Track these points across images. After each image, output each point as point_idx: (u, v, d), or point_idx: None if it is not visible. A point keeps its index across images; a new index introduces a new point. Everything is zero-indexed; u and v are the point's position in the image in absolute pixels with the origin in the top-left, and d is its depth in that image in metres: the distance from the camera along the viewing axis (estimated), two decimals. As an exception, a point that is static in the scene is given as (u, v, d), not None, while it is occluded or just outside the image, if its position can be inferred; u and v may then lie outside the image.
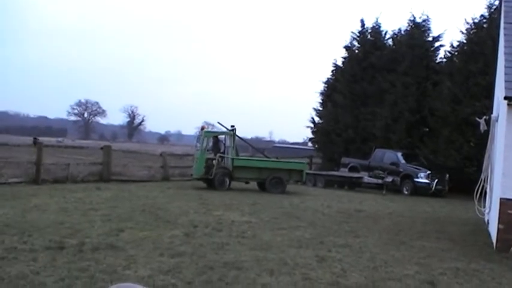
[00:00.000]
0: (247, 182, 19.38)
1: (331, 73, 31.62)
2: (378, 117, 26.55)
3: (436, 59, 27.40)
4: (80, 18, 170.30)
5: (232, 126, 19.09)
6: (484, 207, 12.14)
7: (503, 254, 8.82)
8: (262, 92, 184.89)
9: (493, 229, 10.22)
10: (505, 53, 9.82)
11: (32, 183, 16.31)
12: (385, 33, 29.69)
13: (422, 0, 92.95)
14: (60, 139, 63.66)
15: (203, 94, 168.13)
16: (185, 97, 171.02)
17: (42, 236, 8.16)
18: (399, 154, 23.62)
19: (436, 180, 21.78)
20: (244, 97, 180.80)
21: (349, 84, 28.66)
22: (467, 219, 14.04)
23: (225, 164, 18.67)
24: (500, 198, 9.21)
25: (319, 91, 31.95)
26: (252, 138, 74.03)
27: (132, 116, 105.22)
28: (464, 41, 25.10)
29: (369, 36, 29.77)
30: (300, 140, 58.25)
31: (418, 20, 27.61)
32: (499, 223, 9.21)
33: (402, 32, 28.29)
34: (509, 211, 9.02)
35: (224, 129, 19.45)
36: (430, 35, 27.51)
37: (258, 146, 33.46)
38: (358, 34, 30.02)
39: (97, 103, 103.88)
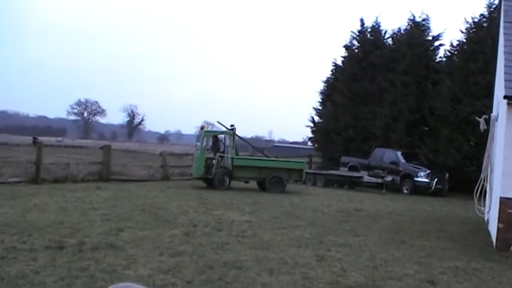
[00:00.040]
0: (246, 182, 19.38)
1: (330, 72, 31.64)
2: (378, 116, 26.56)
3: (435, 58, 27.41)
4: (80, 18, 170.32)
5: (232, 125, 19.10)
6: (484, 206, 12.14)
7: (503, 253, 8.83)
8: (261, 92, 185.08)
9: (492, 228, 10.22)
10: (505, 52, 9.82)
11: (32, 183, 16.31)
12: (385, 33, 29.71)
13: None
14: (59, 139, 63.61)
15: (203, 94, 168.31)
16: (185, 97, 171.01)
17: (42, 235, 8.16)
18: (399, 153, 23.62)
19: (436, 180, 21.79)
20: (244, 96, 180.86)
21: (348, 83, 28.66)
22: (467, 218, 14.05)
23: (224, 163, 18.67)
24: (500, 198, 9.21)
25: (319, 90, 31.99)
26: (251, 137, 74.07)
27: (132, 115, 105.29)
28: (464, 40, 25.11)
29: (368, 36, 29.76)
30: (300, 140, 58.32)
31: (418, 19, 27.62)
32: (498, 222, 9.22)
33: (402, 31, 28.28)
34: (509, 210, 9.02)
35: (224, 129, 19.45)
36: (430, 34, 27.54)
37: (258, 146, 33.44)
38: (357, 33, 30.02)
39: (97, 102, 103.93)
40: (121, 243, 7.93)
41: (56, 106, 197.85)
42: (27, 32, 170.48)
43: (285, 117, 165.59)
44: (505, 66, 9.48)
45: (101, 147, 20.36)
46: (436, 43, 27.37)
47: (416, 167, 22.52)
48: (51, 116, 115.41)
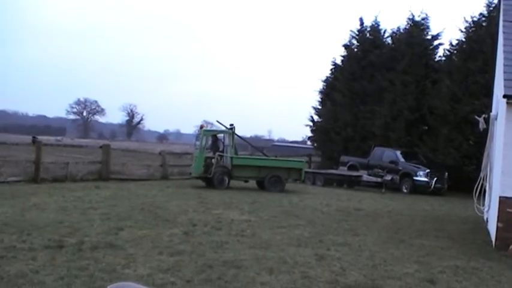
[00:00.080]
0: (246, 181, 19.38)
1: (330, 72, 31.62)
2: (377, 115, 26.57)
3: (435, 58, 27.40)
4: (80, 18, 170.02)
5: (231, 124, 19.08)
6: (483, 205, 12.15)
7: (502, 252, 8.83)
8: (261, 91, 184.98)
9: (492, 227, 10.23)
10: (504, 51, 9.83)
11: (31, 182, 16.30)
12: (384, 32, 29.71)
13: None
14: (59, 138, 63.60)
15: (202, 93, 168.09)
16: (184, 96, 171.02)
17: (42, 234, 8.15)
18: (398, 152, 23.63)
19: (435, 179, 21.81)
20: (243, 96, 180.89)
21: (348, 82, 28.66)
22: (467, 217, 14.06)
23: (224, 162, 18.67)
24: (500, 197, 9.21)
25: (318, 90, 31.99)
26: (251, 136, 74.09)
27: (131, 114, 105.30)
28: (464, 40, 25.13)
29: (368, 35, 29.76)
30: (299, 139, 58.37)
31: (417, 19, 27.63)
32: (498, 221, 9.22)
33: (401, 31, 28.28)
34: (509, 209, 9.02)
35: (223, 128, 19.44)
36: (429, 33, 27.53)
37: (257, 145, 33.45)
38: (357, 33, 30.01)
39: (96, 102, 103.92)
40: (120, 243, 7.93)
41: (55, 105, 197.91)
42: (26, 31, 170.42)
43: (284, 116, 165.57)
44: (504, 65, 9.48)
45: (100, 147, 20.35)
46: (436, 42, 27.40)
47: (415, 166, 22.54)
48: (50, 115, 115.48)
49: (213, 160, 18.50)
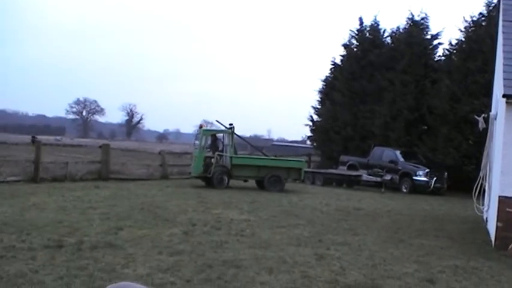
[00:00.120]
0: (245, 180, 19.38)
1: (329, 71, 31.62)
2: (377, 115, 26.57)
3: (434, 57, 27.40)
4: (80, 18, 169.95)
5: (231, 124, 19.08)
6: (483, 205, 12.15)
7: (501, 251, 8.83)
8: (260, 90, 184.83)
9: (491, 227, 10.23)
10: (504, 51, 9.83)
11: (31, 182, 16.29)
12: (384, 31, 29.69)
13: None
14: (58, 137, 63.50)
15: (202, 92, 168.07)
16: (184, 96, 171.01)
17: (41, 234, 8.15)
18: (398, 152, 23.63)
19: (435, 178, 21.80)
20: (243, 95, 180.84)
21: (347, 82, 28.66)
22: (466, 217, 14.06)
23: (223, 162, 18.66)
24: (499, 196, 9.21)
25: (318, 89, 32.00)
26: (250, 136, 74.03)
27: (131, 114, 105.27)
28: (463, 39, 25.12)
29: (367, 35, 29.74)
30: (299, 138, 58.30)
31: (417, 18, 27.62)
32: (497, 221, 9.22)
33: (401, 30, 28.27)
34: (508, 209, 9.02)
35: (222, 128, 19.44)
36: (429, 33, 27.52)
37: (257, 144, 33.43)
38: (356, 32, 30.00)
39: (95, 101, 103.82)
40: (120, 242, 7.93)
41: (54, 105, 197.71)
42: (26, 31, 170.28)
43: (284, 116, 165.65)
44: (504, 65, 9.48)
45: (100, 146, 20.35)
46: (435, 42, 27.39)
47: (415, 166, 22.53)
48: (50, 114, 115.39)
49: (212, 160, 18.49)
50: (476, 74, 22.62)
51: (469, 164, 21.82)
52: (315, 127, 31.70)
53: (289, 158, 22.35)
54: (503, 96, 9.00)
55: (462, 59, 24.19)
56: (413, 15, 27.66)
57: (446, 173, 22.39)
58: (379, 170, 22.96)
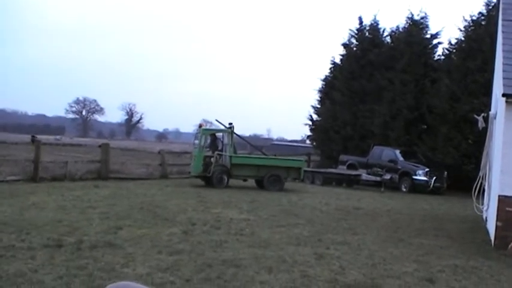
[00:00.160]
0: (245, 180, 19.37)
1: (329, 71, 31.62)
2: (376, 114, 26.57)
3: (434, 57, 27.40)
4: (80, 18, 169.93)
5: (230, 123, 19.08)
6: (482, 204, 12.15)
7: (501, 251, 8.83)
8: (260, 90, 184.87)
9: (491, 226, 10.23)
10: (503, 50, 9.82)
11: (30, 181, 16.29)
12: (383, 31, 29.69)
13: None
14: (58, 137, 63.50)
15: (201, 92, 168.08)
16: (184, 95, 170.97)
17: (40, 234, 8.14)
18: (397, 151, 23.63)
19: (435, 178, 21.80)
20: (243, 95, 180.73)
21: (347, 81, 28.65)
22: (466, 216, 14.07)
23: (223, 161, 18.66)
24: (499, 196, 9.21)
25: (317, 89, 31.98)
26: (250, 135, 73.98)
27: (130, 113, 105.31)
28: (463, 39, 25.12)
29: (367, 34, 29.73)
30: (298, 138, 58.33)
31: (416, 18, 27.63)
32: (497, 220, 9.22)
33: (400, 30, 28.26)
34: (508, 208, 9.02)
35: (222, 127, 19.43)
36: (428, 32, 27.52)
37: (256, 144, 33.42)
38: (356, 31, 29.99)
39: (95, 101, 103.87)
40: (119, 242, 7.93)
41: (54, 104, 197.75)
42: (26, 31, 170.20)
43: (283, 115, 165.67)
44: (504, 64, 9.47)
45: (100, 146, 20.34)
46: (435, 41, 27.40)
47: (414, 165, 22.53)
48: (49, 114, 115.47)
49: (212, 159, 18.49)
50: (476, 74, 22.61)
51: (468, 164, 21.82)
52: (315, 126, 31.69)
53: (288, 158, 22.35)
54: (503, 95, 9.00)
55: (462, 59, 24.19)
56: (412, 15, 27.70)
57: (445, 173, 22.39)
58: (379, 170, 22.96)
